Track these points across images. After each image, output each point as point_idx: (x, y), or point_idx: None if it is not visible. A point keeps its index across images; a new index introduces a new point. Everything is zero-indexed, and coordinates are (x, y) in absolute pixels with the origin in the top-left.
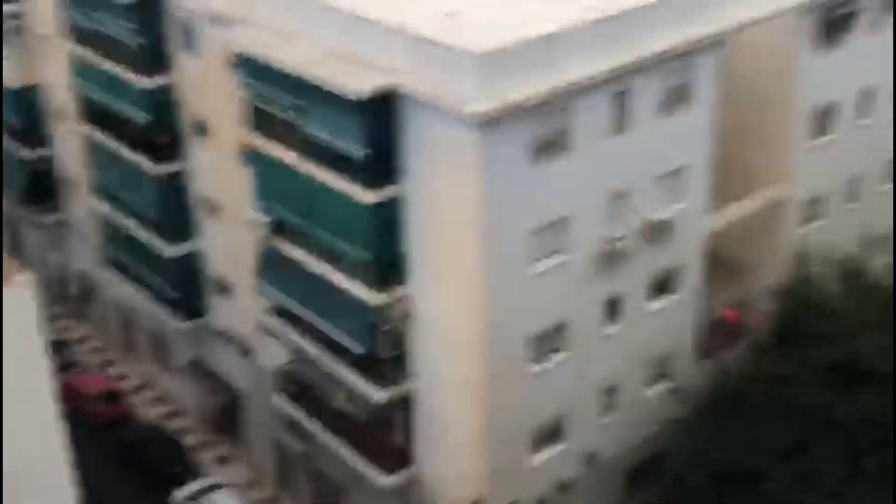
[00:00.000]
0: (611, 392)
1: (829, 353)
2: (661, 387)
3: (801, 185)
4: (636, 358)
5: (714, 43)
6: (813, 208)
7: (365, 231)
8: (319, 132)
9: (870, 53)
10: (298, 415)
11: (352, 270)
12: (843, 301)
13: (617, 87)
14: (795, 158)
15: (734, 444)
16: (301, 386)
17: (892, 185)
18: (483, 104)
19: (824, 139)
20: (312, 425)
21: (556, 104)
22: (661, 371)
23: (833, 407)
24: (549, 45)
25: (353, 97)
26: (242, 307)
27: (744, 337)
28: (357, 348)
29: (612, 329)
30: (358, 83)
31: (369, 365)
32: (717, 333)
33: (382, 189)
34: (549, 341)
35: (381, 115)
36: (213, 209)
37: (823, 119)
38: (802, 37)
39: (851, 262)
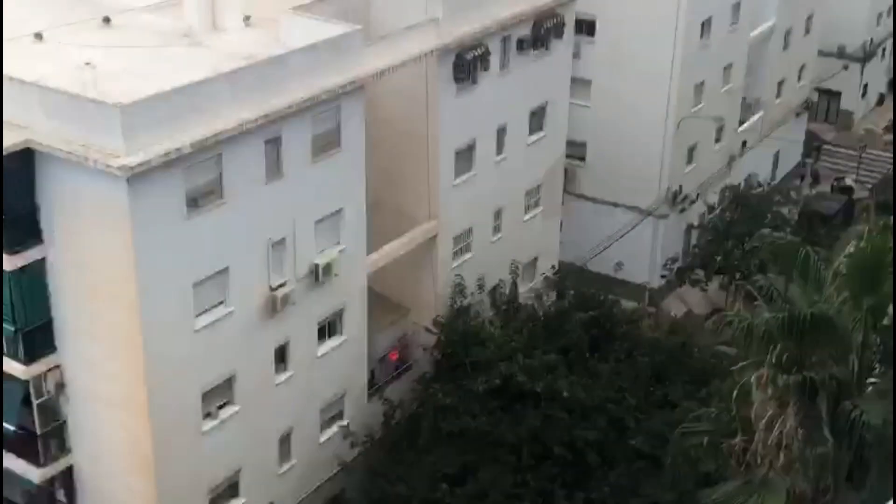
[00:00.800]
0: (285, 440)
1: (486, 379)
2: (335, 428)
3: (449, 220)
4: (309, 403)
5: (356, 89)
6: (463, 241)
7: (5, 300)
8: None
9: (501, 93)
10: None
11: None
12: (493, 328)
13: (267, 134)
14: (442, 196)
15: (409, 476)
16: None
17: (531, 216)
18: (129, 158)
19: (467, 176)
20: None
21: (207, 154)
22: (334, 413)
23: (496, 429)
24: (195, 94)
25: None
26: None
27: (410, 371)
28: (8, 427)
29: (283, 376)
30: None
31: (23, 443)
32: (385, 370)
33: (22, 253)
34: (218, 395)
35: (17, 174)
36: None
37: (465, 157)
38: (440, 80)
39: (500, 290)
